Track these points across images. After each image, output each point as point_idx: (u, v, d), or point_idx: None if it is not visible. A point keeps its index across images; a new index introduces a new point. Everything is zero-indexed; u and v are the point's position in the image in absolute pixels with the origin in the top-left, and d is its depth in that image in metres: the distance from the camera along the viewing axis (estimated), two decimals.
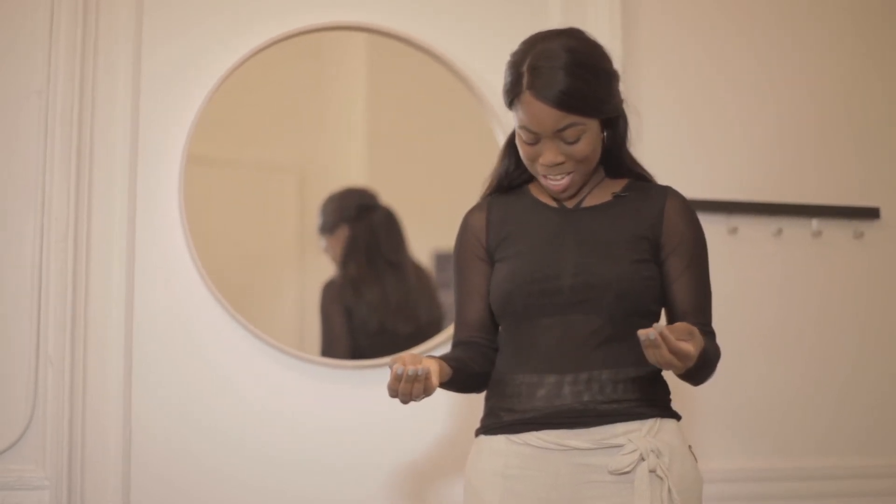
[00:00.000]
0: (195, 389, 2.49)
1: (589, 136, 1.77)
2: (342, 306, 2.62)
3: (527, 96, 1.74)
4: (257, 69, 2.58)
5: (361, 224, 2.65)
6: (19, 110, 2.44)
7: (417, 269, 2.67)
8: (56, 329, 2.38)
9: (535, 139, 1.77)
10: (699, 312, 1.80)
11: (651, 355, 1.57)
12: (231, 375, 2.52)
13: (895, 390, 2.95)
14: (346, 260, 2.63)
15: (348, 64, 2.74)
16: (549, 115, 1.73)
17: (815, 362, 2.90)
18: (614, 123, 1.83)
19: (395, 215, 2.65)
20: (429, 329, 2.63)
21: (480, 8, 2.75)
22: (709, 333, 1.80)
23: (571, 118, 1.73)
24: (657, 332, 1.54)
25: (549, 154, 1.77)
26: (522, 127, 1.77)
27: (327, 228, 2.64)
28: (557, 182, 1.80)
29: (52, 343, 2.38)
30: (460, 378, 1.82)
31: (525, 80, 1.74)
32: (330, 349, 2.59)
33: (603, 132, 1.81)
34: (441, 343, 2.58)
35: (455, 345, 1.90)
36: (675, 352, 1.57)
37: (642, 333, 1.55)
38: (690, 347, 1.58)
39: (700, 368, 1.70)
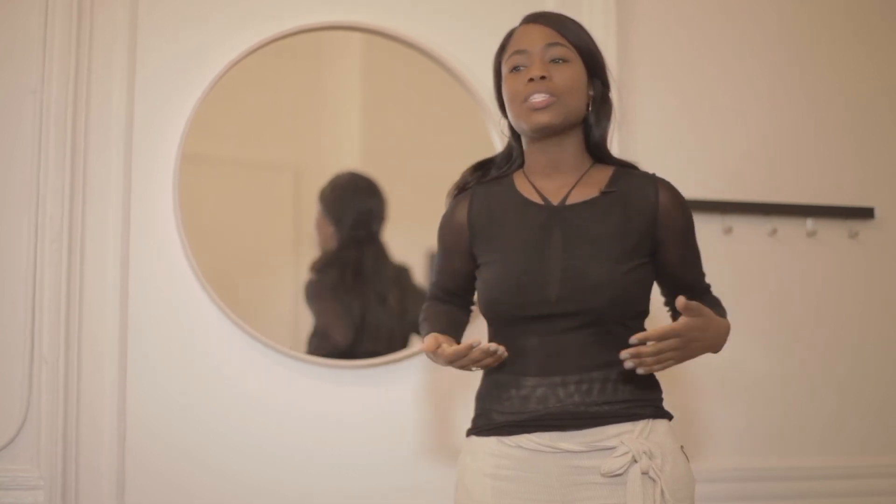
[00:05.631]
0: (190, 388, 2.49)
1: (576, 68, 1.82)
2: (332, 291, 2.61)
3: (520, 28, 1.87)
4: (252, 68, 2.58)
5: (351, 248, 2.63)
6: (14, 110, 2.44)
7: (402, 291, 2.66)
8: (50, 328, 2.38)
9: (524, 60, 1.82)
10: (694, 279, 1.88)
11: (650, 364, 1.67)
12: (226, 374, 2.52)
13: (891, 389, 2.96)
14: (327, 268, 2.62)
15: (343, 63, 2.74)
16: (540, 31, 1.83)
17: (810, 362, 2.90)
18: (597, 95, 1.86)
19: (385, 249, 2.65)
20: (396, 347, 2.64)
21: (475, 7, 2.76)
22: (706, 290, 1.91)
23: (561, 38, 1.81)
24: (632, 355, 1.65)
25: (536, 68, 1.79)
26: (513, 53, 1.83)
27: (323, 207, 2.63)
28: (539, 99, 1.79)
29: (46, 342, 2.38)
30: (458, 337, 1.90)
31: (520, 23, 1.88)
32: (336, 336, 2.58)
33: (588, 101, 1.84)
34: (405, 357, 2.60)
35: (434, 297, 1.96)
36: (661, 350, 1.66)
37: (626, 361, 1.66)
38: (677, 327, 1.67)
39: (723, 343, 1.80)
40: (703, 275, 1.92)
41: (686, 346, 1.68)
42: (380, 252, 2.64)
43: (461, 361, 1.72)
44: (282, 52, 2.61)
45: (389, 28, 2.67)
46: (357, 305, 2.61)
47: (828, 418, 2.89)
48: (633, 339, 1.65)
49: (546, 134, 1.82)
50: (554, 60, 1.80)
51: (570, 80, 1.80)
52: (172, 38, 2.56)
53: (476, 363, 1.73)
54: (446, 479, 2.38)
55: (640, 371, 1.67)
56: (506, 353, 1.73)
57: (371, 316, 2.62)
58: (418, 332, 2.62)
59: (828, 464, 2.85)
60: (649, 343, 1.65)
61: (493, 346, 1.71)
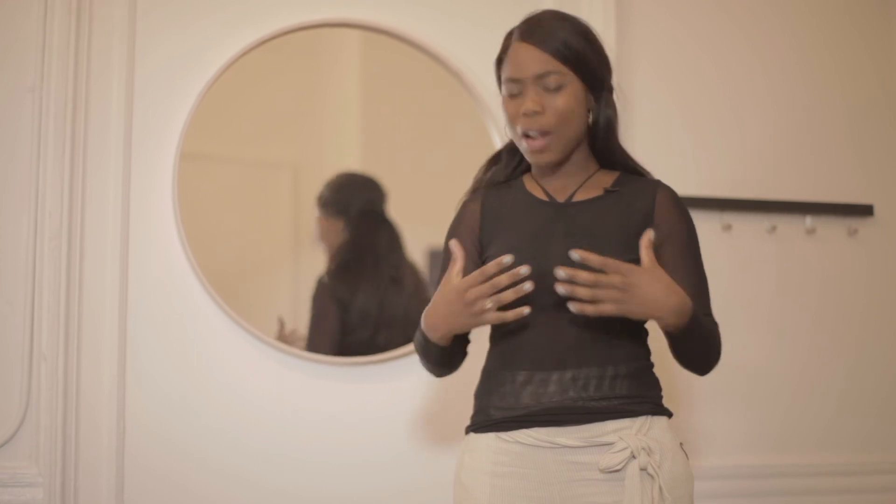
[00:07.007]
0: (189, 386, 2.49)
1: (571, 92, 1.79)
2: (337, 302, 2.61)
3: (514, 46, 1.81)
4: (251, 66, 2.58)
5: (362, 232, 2.63)
6: (13, 108, 2.44)
7: (416, 280, 2.66)
8: (50, 326, 2.38)
9: (518, 89, 1.80)
10: (696, 300, 1.79)
11: (584, 295, 1.65)
12: (225, 371, 2.52)
13: (892, 386, 2.96)
14: (343, 262, 2.62)
15: (342, 60, 2.74)
16: (532, 57, 1.77)
17: (810, 359, 2.91)
18: (600, 100, 1.83)
19: (398, 232, 2.64)
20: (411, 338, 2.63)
21: (475, 4, 2.75)
22: (707, 315, 1.82)
23: (554, 63, 1.77)
24: (569, 276, 1.64)
25: (529, 101, 1.78)
26: (506, 80, 1.81)
27: (325, 207, 2.62)
28: (534, 141, 1.80)
29: (45, 340, 2.38)
30: (456, 347, 1.86)
31: (515, 35, 1.82)
32: (316, 344, 2.58)
33: (588, 111, 1.82)
34: (409, 353, 2.58)
35: None
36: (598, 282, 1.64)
37: (559, 286, 1.65)
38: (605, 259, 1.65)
39: (690, 335, 1.73)
40: (705, 298, 1.84)
41: (628, 291, 1.65)
42: (393, 232, 2.64)
43: (480, 289, 1.67)
44: (281, 50, 2.61)
45: (389, 25, 2.66)
46: (374, 295, 2.61)
47: (828, 415, 2.89)
48: (574, 253, 1.65)
49: (550, 167, 1.87)
50: (547, 88, 1.78)
51: (566, 108, 1.78)
52: (171, 36, 2.56)
53: (496, 293, 1.68)
54: (441, 478, 2.40)
55: (572, 307, 1.65)
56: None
57: (389, 302, 2.62)
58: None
59: (828, 461, 2.85)
60: (585, 277, 1.63)
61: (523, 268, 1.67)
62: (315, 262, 2.63)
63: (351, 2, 2.67)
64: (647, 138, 2.75)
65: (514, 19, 1.91)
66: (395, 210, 2.66)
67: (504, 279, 1.68)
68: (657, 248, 1.80)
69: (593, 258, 1.65)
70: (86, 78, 2.47)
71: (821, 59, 3.02)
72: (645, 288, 1.66)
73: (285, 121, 2.67)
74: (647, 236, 1.70)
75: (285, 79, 2.68)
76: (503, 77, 1.84)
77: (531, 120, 1.78)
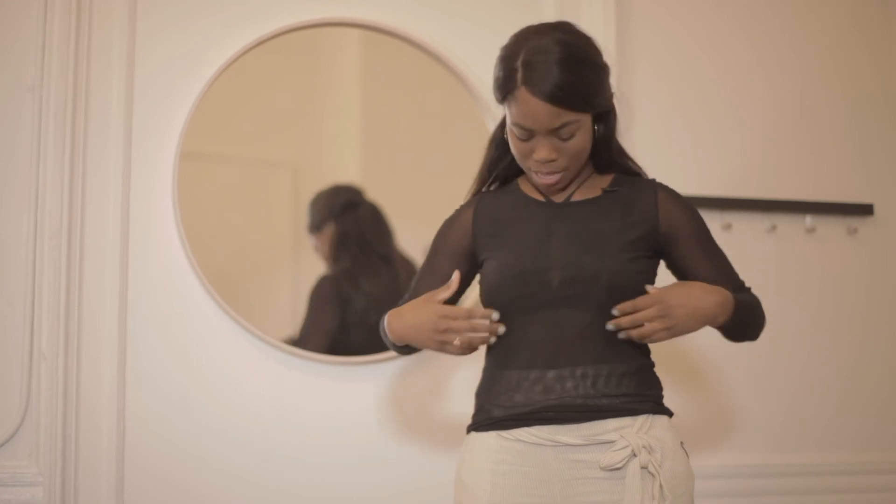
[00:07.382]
0: (189, 385, 2.49)
1: (583, 132, 1.78)
2: (335, 303, 2.61)
3: (522, 92, 1.73)
4: (251, 65, 2.58)
5: (348, 220, 2.65)
6: (13, 107, 2.44)
7: (405, 263, 2.67)
8: (50, 325, 2.38)
9: (529, 135, 1.77)
10: (727, 279, 1.86)
11: (636, 335, 1.73)
12: (225, 371, 2.52)
13: (892, 386, 2.96)
14: (337, 255, 2.64)
15: (342, 60, 2.74)
16: (545, 112, 1.73)
17: (810, 358, 2.90)
18: (605, 117, 1.84)
19: (380, 210, 2.66)
20: None
21: (474, 4, 2.76)
22: (741, 288, 1.89)
23: (567, 115, 1.73)
24: (616, 326, 1.72)
25: (543, 151, 1.77)
26: (516, 124, 1.77)
27: (315, 226, 2.64)
28: (548, 177, 1.81)
29: (45, 339, 2.38)
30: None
31: (520, 76, 1.73)
32: (306, 341, 2.57)
33: (594, 126, 1.81)
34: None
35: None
36: (640, 319, 1.71)
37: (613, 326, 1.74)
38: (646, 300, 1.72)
39: (741, 320, 1.81)
40: (734, 275, 1.90)
41: (670, 314, 1.71)
42: (376, 211, 2.65)
43: (458, 325, 1.72)
44: (281, 50, 2.61)
45: (389, 25, 2.66)
46: (374, 276, 2.62)
47: (828, 415, 2.89)
48: (614, 310, 1.73)
49: None
50: (560, 137, 1.76)
51: (579, 148, 1.79)
52: (171, 35, 2.56)
53: (469, 333, 1.72)
54: (447, 476, 2.40)
55: (638, 340, 1.73)
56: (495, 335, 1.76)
57: (386, 281, 2.63)
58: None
59: (828, 461, 2.85)
60: (627, 322, 1.71)
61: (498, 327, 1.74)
62: (315, 262, 2.63)
63: (351, 1, 2.67)
64: (647, 138, 2.75)
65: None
66: (395, 210, 2.66)
67: (483, 329, 1.73)
68: (672, 249, 1.83)
69: (625, 306, 1.72)
70: (86, 77, 2.47)
71: (821, 59, 3.02)
72: (682, 302, 1.73)
73: (285, 121, 2.67)
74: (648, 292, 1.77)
75: (285, 79, 2.68)
76: (511, 119, 1.78)
77: (545, 165, 1.79)
